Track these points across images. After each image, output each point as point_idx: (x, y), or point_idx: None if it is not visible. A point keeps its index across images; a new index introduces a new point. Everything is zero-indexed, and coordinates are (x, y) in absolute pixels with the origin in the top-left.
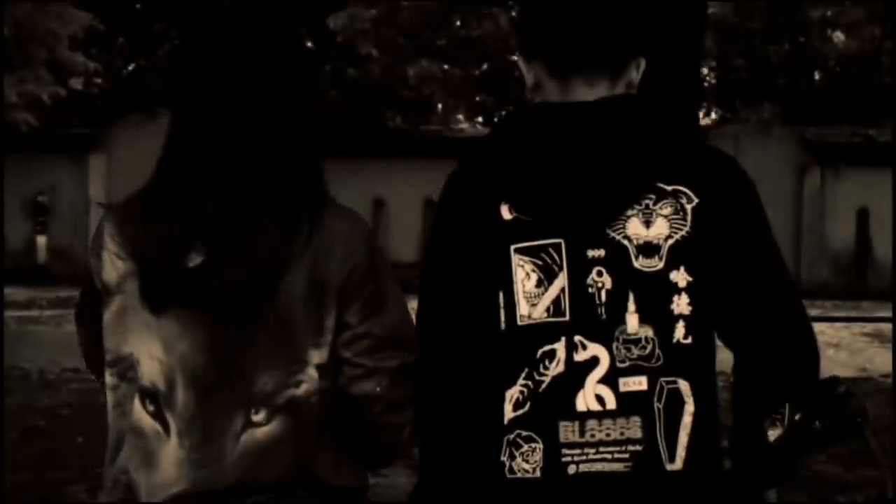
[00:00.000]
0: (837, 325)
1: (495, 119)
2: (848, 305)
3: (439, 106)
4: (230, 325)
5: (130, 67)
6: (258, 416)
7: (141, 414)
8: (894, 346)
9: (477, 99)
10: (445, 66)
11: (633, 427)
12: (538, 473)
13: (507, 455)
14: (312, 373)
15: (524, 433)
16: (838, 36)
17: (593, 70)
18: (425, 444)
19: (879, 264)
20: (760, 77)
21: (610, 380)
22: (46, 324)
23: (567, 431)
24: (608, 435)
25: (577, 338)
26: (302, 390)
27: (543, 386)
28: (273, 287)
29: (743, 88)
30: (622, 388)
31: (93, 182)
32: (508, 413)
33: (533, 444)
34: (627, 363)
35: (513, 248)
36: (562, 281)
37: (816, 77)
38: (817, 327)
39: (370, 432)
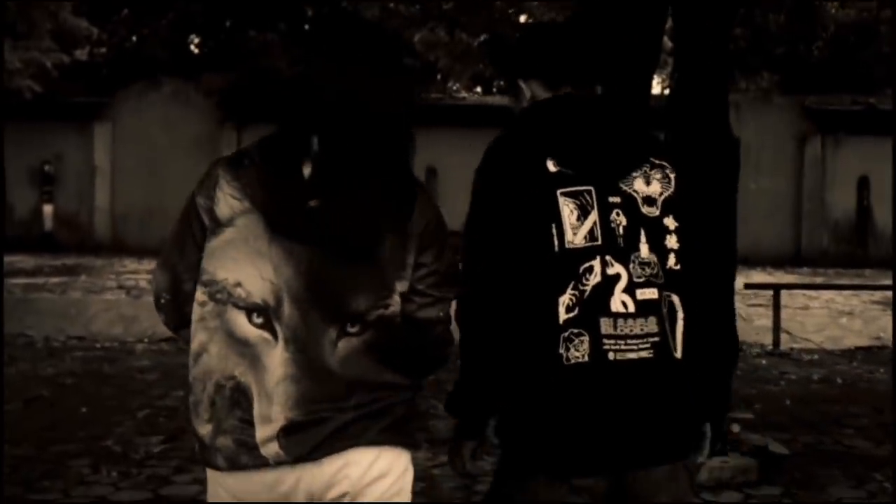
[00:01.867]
0: (846, 292)
1: (501, 93)
2: (850, 273)
3: (442, 73)
4: (336, 259)
5: (134, 38)
6: (353, 329)
7: (246, 327)
8: (894, 314)
9: (478, 67)
10: (443, 34)
11: (651, 324)
12: (587, 358)
13: (563, 348)
14: (397, 298)
15: (575, 330)
16: (834, 6)
17: (578, 83)
18: (480, 339)
19: (880, 232)
20: (760, 46)
21: (630, 290)
22: (52, 291)
23: (606, 326)
24: (631, 330)
25: (607, 257)
26: (389, 311)
27: (587, 293)
28: (382, 242)
29: (742, 57)
30: (639, 297)
31: (98, 150)
32: (562, 315)
33: (582, 338)
34: (643, 279)
35: (559, 191)
36: (594, 216)
37: (815, 46)
38: (825, 295)
39: (431, 346)
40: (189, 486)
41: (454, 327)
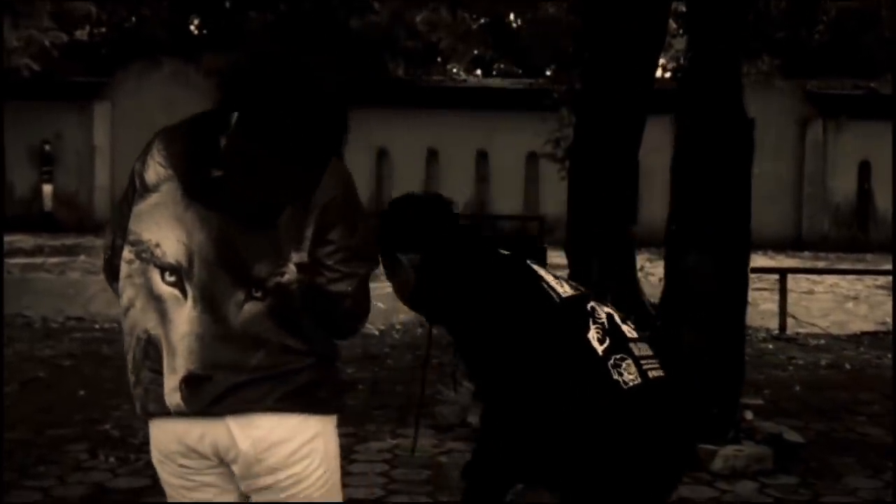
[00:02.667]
0: (850, 277)
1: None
2: (851, 258)
3: (443, 55)
4: (240, 227)
5: (134, 18)
6: (257, 294)
7: (161, 285)
8: (894, 299)
9: (476, 52)
10: (445, 14)
11: (649, 349)
12: (639, 379)
13: (616, 374)
14: (292, 268)
15: (618, 356)
16: None
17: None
18: (499, 432)
19: (881, 217)
20: (760, 30)
21: (624, 321)
22: (50, 271)
23: (634, 348)
24: (647, 352)
25: (594, 300)
26: (285, 279)
27: (606, 325)
28: (281, 213)
29: (743, 41)
30: (631, 326)
31: (97, 129)
32: (599, 348)
33: (627, 361)
34: (623, 314)
35: (527, 260)
36: (559, 278)
37: (816, 30)
38: (829, 279)
39: (341, 318)
40: None
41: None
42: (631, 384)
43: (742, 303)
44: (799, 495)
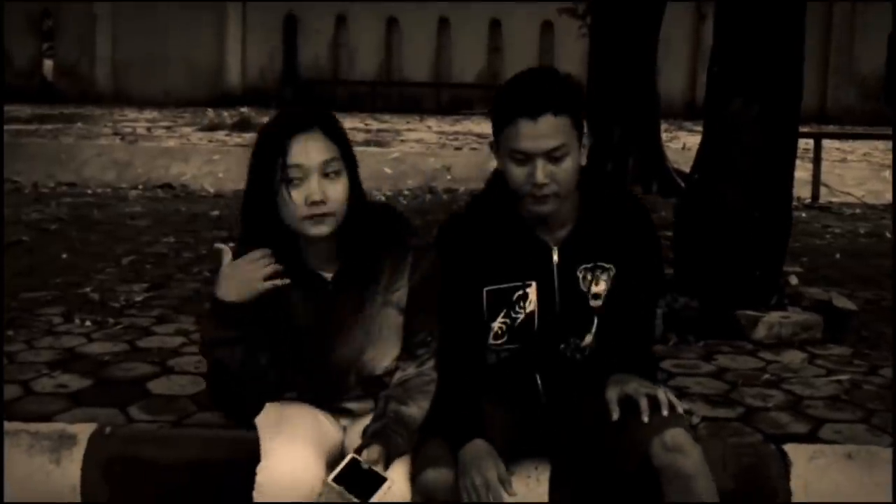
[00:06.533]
0: (882, 146)
1: None
2: (878, 131)
3: None
4: None
5: None
6: None
7: None
8: (894, 178)
9: None
10: None
11: None
12: None
13: None
14: None
15: None
16: None
17: None
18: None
19: None
20: None
21: None
22: (44, 136)
23: None
24: None
25: None
26: None
27: None
28: None
29: None
30: None
31: None
32: None
33: None
34: None
35: None
36: None
37: None
38: (861, 149)
39: None
40: (171, 336)
41: None
42: None
43: (791, 155)
44: (854, 367)
